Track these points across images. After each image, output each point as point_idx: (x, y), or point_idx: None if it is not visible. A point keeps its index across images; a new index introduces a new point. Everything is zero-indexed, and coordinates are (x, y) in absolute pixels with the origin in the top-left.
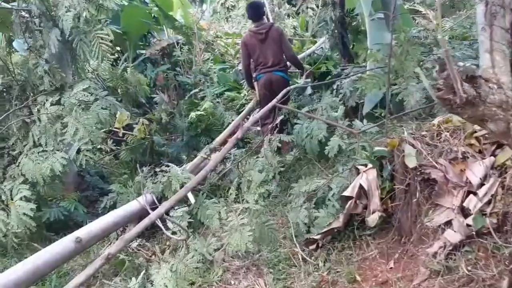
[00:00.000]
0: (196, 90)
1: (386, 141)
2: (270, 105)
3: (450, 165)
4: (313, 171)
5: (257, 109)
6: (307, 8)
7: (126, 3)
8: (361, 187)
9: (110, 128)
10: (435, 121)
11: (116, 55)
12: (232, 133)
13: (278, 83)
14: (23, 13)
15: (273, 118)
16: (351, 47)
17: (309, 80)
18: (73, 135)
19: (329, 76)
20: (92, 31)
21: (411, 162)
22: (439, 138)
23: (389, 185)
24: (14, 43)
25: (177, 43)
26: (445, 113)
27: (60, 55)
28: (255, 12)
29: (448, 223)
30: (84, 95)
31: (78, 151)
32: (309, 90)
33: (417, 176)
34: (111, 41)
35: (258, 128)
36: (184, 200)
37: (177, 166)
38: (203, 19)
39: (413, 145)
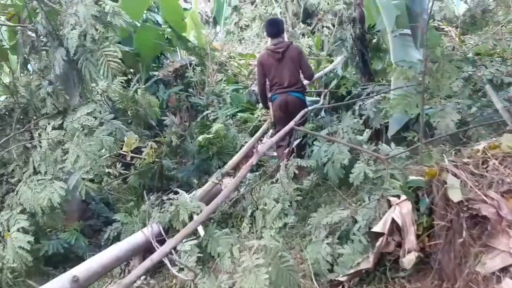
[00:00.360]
0: (209, 111)
1: (422, 169)
2: (287, 128)
3: (503, 199)
4: (333, 199)
5: (272, 131)
6: (322, 27)
7: (139, 24)
8: (393, 222)
9: (119, 151)
10: (479, 146)
11: (128, 76)
12: (245, 156)
13: (294, 104)
14: (29, 32)
15: (289, 141)
16: (370, 65)
17: (325, 100)
18: (74, 162)
19: (349, 96)
20: (99, 49)
21: (456, 195)
22: (485, 166)
23: (426, 220)
24: (29, 65)
25: (190, 64)
26: (486, 137)
27: (65, 76)
28: (275, 29)
29: (505, 270)
30: (88, 119)
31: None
32: (323, 112)
33: (462, 211)
34: (123, 62)
35: (274, 153)
36: (193, 232)
37: (187, 191)
38: (216, 40)
39: (456, 175)
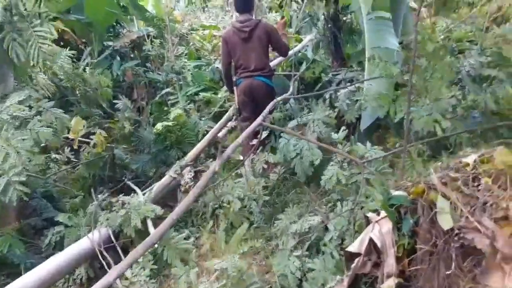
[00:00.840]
0: (168, 89)
1: (405, 183)
2: (254, 124)
3: (497, 228)
4: (302, 197)
5: (236, 118)
6: (291, 1)
7: None
8: (371, 241)
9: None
10: (469, 159)
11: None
12: (208, 144)
13: (260, 90)
14: None
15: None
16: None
17: (294, 85)
18: (1, 162)
19: (320, 83)
20: (28, 28)
21: (446, 222)
22: (476, 185)
23: (409, 242)
24: None
25: (148, 36)
26: (471, 144)
27: None
28: (243, 3)
29: None
30: (20, 109)
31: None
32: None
33: (453, 241)
34: (73, 32)
35: (241, 157)
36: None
37: (142, 183)
38: (178, 10)
39: (445, 196)
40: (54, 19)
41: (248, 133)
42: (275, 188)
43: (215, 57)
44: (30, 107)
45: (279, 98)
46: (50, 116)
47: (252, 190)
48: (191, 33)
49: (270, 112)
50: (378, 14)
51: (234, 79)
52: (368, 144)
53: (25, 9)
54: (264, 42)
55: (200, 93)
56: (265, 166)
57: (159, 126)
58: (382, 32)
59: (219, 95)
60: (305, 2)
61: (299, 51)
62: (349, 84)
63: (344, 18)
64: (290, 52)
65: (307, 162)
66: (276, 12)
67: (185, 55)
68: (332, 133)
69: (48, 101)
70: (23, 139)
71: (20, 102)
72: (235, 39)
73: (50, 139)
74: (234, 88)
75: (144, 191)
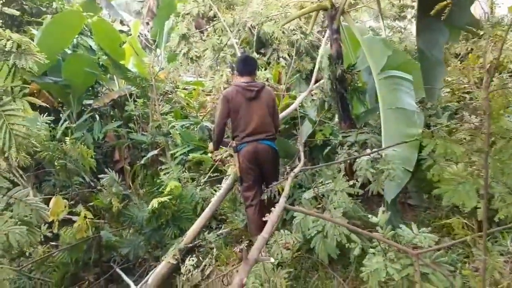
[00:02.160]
0: (155, 151)
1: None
2: (278, 210)
3: None
4: (329, 285)
5: (240, 187)
6: (278, 58)
7: (68, 51)
8: None
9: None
10: None
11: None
12: (208, 218)
13: (266, 154)
14: None
15: (260, 194)
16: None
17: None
18: None
19: (329, 147)
20: None
21: None
22: None
23: None
24: None
25: (130, 95)
26: None
27: None
28: (249, 67)
29: None
30: None
31: None
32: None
33: None
34: (50, 94)
35: (272, 259)
36: None
37: (133, 268)
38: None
39: None
40: (25, 83)
41: (273, 222)
42: (292, 269)
43: (202, 116)
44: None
45: (296, 170)
46: (24, 208)
47: (272, 281)
48: (176, 91)
49: (276, 177)
50: (393, 73)
51: (233, 144)
52: (414, 227)
53: None
54: (270, 105)
55: (189, 153)
56: (285, 251)
57: (154, 202)
58: (398, 92)
59: (210, 155)
60: (293, 59)
61: (296, 109)
62: (369, 150)
63: (350, 78)
64: (288, 111)
65: (333, 242)
66: (265, 69)
67: (170, 114)
68: (370, 216)
69: (22, 189)
70: None
71: None
72: (239, 99)
73: (24, 241)
74: (235, 154)
75: (139, 286)
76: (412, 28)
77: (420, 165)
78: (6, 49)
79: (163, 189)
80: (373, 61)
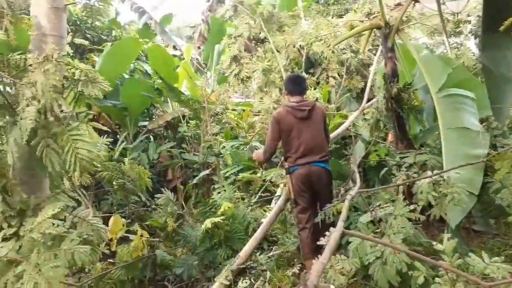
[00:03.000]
0: (207, 171)
1: None
2: (336, 234)
3: None
4: None
5: (292, 210)
6: (327, 77)
7: (126, 76)
8: None
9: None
10: None
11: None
12: (260, 239)
13: (320, 177)
14: None
15: (314, 217)
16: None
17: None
18: None
19: (386, 168)
20: (64, 132)
21: None
22: None
23: None
24: None
25: (183, 117)
26: None
27: (26, 164)
28: (299, 87)
29: None
30: (53, 224)
31: None
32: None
33: None
34: (109, 117)
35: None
36: None
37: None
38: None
39: None
40: (88, 107)
41: (331, 248)
42: None
43: (252, 136)
44: (64, 219)
45: (353, 193)
46: (86, 227)
47: None
48: (226, 112)
49: (330, 200)
50: (454, 91)
51: (286, 165)
52: (485, 256)
53: (61, 111)
54: (321, 122)
55: (239, 173)
56: (341, 276)
57: (208, 223)
58: (460, 111)
59: (259, 174)
60: (344, 78)
61: (347, 128)
62: (430, 172)
63: (407, 97)
64: (339, 130)
65: (393, 269)
66: (314, 89)
67: (220, 134)
68: (434, 242)
69: (85, 208)
70: (56, 266)
71: (54, 216)
72: (290, 119)
73: (87, 260)
74: (288, 176)
75: None
76: (470, 43)
77: (486, 188)
78: (75, 77)
79: (216, 208)
80: (431, 79)
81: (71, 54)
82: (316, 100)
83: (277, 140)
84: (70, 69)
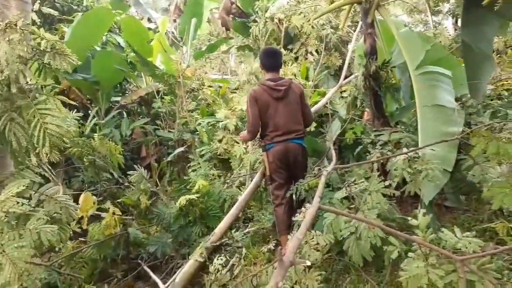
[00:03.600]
0: (181, 148)
1: None
2: (312, 210)
3: None
4: None
5: (268, 187)
6: (307, 53)
7: (98, 48)
8: None
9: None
10: None
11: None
12: (235, 216)
13: (296, 153)
14: None
15: (288, 196)
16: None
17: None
18: None
19: (361, 146)
20: (30, 105)
21: None
22: None
23: None
24: None
25: (158, 92)
26: None
27: None
28: (274, 61)
29: None
30: (17, 203)
31: None
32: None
33: None
34: (80, 91)
35: (308, 262)
36: None
37: (161, 267)
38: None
39: None
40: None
41: (307, 224)
42: (323, 272)
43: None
44: (30, 197)
45: (329, 169)
46: (54, 205)
47: (303, 283)
48: (202, 88)
49: (302, 174)
50: (431, 69)
51: (262, 143)
52: (458, 231)
53: (27, 83)
54: (297, 101)
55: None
56: (316, 252)
57: (182, 200)
58: (436, 89)
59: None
60: (322, 54)
61: (324, 106)
62: (405, 149)
63: (385, 75)
64: (316, 108)
65: (367, 244)
66: (291, 65)
67: (196, 111)
68: (408, 218)
69: (53, 185)
70: (21, 246)
71: (18, 194)
72: (266, 98)
73: (55, 240)
74: (264, 153)
75: (167, 284)
76: (447, 23)
77: (458, 166)
78: (41, 48)
79: (191, 186)
80: (409, 56)
81: (39, 24)
82: (294, 75)
83: (258, 117)
84: (35, 38)
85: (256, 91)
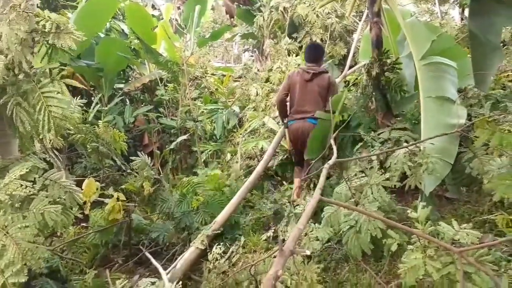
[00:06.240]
0: (184, 136)
1: None
2: (313, 202)
3: None
4: (361, 278)
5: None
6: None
7: (102, 35)
8: None
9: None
10: None
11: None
12: (237, 204)
13: (308, 130)
14: None
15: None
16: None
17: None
18: None
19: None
20: (35, 89)
21: None
22: None
23: None
24: None
25: (161, 80)
26: None
27: None
28: (313, 54)
29: None
30: (22, 185)
31: None
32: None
33: None
34: (83, 78)
35: (307, 252)
36: None
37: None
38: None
39: None
40: (63, 65)
41: (308, 214)
42: (321, 261)
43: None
44: (34, 182)
45: (330, 162)
46: (58, 190)
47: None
48: (205, 76)
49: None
50: (436, 59)
51: (285, 120)
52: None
53: (32, 67)
54: (323, 89)
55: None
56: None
57: (185, 187)
58: (441, 80)
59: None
60: (327, 43)
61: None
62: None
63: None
64: None
65: (367, 237)
66: (296, 55)
67: (200, 99)
68: (408, 210)
69: (57, 171)
70: (25, 226)
71: (22, 177)
72: (296, 79)
73: (59, 220)
74: (285, 130)
75: (168, 271)
76: (454, 13)
77: (459, 158)
78: (46, 30)
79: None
80: (415, 46)
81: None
82: (298, 66)
83: (284, 91)
84: (40, 20)
85: (292, 72)
